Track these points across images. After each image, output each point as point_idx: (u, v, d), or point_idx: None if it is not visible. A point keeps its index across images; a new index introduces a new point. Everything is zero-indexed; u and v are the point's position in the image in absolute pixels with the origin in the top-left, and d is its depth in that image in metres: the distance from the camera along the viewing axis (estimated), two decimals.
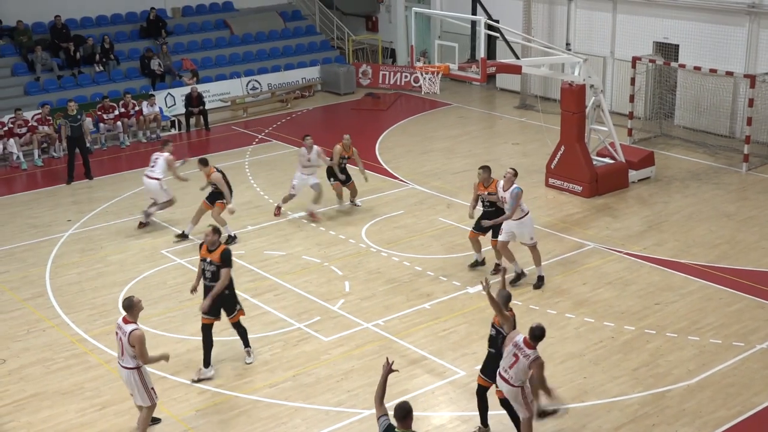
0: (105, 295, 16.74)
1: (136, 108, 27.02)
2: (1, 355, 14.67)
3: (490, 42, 27.18)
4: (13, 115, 25.31)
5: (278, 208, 20.27)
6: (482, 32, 19.72)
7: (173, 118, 28.44)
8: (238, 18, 34.16)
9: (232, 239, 18.76)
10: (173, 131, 28.07)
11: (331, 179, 20.31)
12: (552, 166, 21.74)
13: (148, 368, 12.20)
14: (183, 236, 19.03)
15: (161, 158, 19.48)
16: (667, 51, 26.24)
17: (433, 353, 14.29)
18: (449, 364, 13.97)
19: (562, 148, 21.45)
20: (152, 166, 19.53)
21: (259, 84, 31.41)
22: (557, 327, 15.02)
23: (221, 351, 14.50)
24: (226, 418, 12.74)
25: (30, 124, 25.32)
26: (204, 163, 18.72)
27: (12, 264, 18.25)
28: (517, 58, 26.94)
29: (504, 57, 27.09)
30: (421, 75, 21.23)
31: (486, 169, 16.55)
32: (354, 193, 20.74)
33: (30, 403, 13.28)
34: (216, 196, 18.65)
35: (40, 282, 17.40)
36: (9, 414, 12.99)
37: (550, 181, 21.81)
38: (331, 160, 20.15)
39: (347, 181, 20.41)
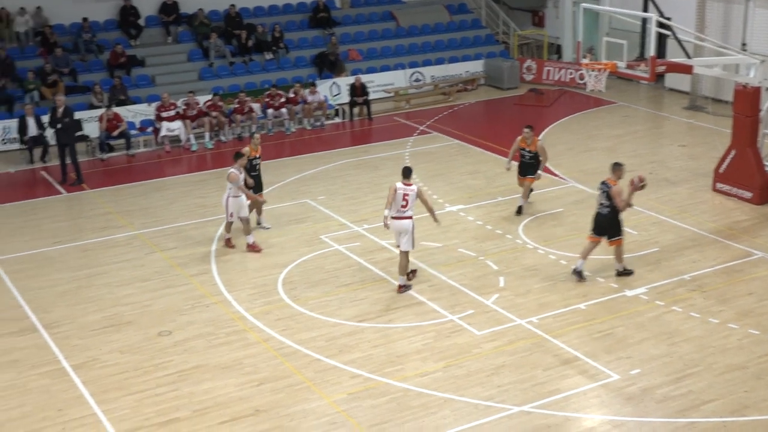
0: (265, 275, 17.23)
1: (302, 96, 27.69)
2: (167, 327, 15.33)
3: (661, 40, 26.32)
4: (186, 99, 26.38)
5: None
6: (653, 30, 19.26)
7: (338, 107, 28.97)
8: (405, 10, 34.47)
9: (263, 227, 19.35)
10: (337, 119, 28.61)
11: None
12: (720, 171, 21.01)
13: None
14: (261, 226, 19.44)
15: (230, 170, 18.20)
16: None
17: (586, 354, 14.09)
18: (603, 366, 13.74)
19: (733, 152, 20.70)
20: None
21: (423, 76, 31.60)
22: (719, 337, 14.54)
23: (375, 337, 14.74)
24: (376, 403, 12.92)
25: (200, 108, 26.30)
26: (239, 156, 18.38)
27: (180, 241, 19.04)
28: (689, 57, 26.12)
29: (674, 56, 26.30)
30: (587, 72, 20.88)
31: (531, 128, 19.64)
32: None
33: (192, 374, 13.83)
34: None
35: (205, 260, 18.08)
36: (173, 383, 13.57)
37: (718, 185, 21.08)
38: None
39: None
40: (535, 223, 19.43)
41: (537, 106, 30.01)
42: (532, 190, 20.16)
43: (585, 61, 22.06)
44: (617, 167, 16.67)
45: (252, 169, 19.00)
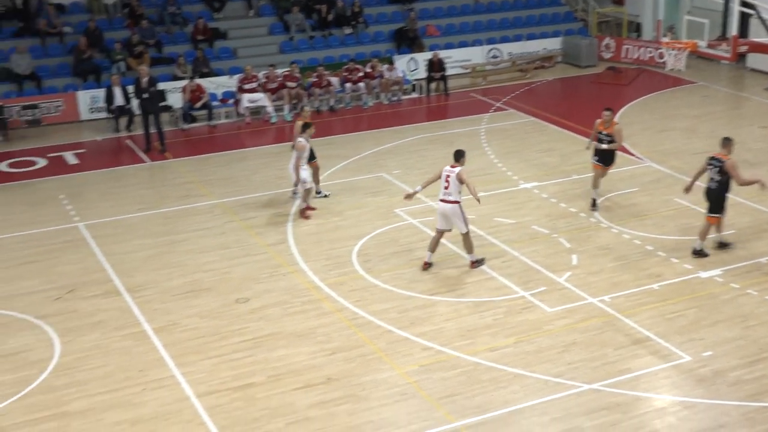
0: (340, 247, 17.35)
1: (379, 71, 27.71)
2: (245, 294, 15.56)
3: (744, 19, 25.74)
4: (267, 71, 26.59)
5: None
6: (735, 9, 18.86)
7: (415, 82, 28.92)
8: None
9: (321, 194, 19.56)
10: (414, 95, 28.56)
11: None
12: None
13: None
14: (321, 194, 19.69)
15: (298, 139, 18.73)
16: None
17: (658, 335, 13.91)
18: (675, 347, 13.55)
19: None
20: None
21: (500, 52, 31.34)
22: None
23: (447, 311, 14.77)
24: (447, 376, 12.96)
25: (280, 81, 26.48)
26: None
27: (259, 211, 19.26)
28: None
29: (757, 35, 25.61)
30: (667, 51, 20.60)
31: (611, 111, 18.63)
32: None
33: (267, 341, 14.03)
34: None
35: (282, 230, 18.28)
36: (248, 349, 13.79)
37: None
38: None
39: None
40: (610, 202, 19.20)
41: (615, 85, 29.54)
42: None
43: (665, 39, 21.74)
44: (728, 141, 16.43)
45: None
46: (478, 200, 16.07)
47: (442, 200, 15.81)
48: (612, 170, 19.73)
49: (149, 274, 16.38)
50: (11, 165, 22.80)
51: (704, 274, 15.81)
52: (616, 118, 24.72)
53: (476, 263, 16.23)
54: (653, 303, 14.94)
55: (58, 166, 22.64)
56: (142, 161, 23.04)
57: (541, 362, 13.25)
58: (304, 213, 18.77)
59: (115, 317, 14.87)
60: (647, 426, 11.81)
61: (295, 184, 18.88)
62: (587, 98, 28.01)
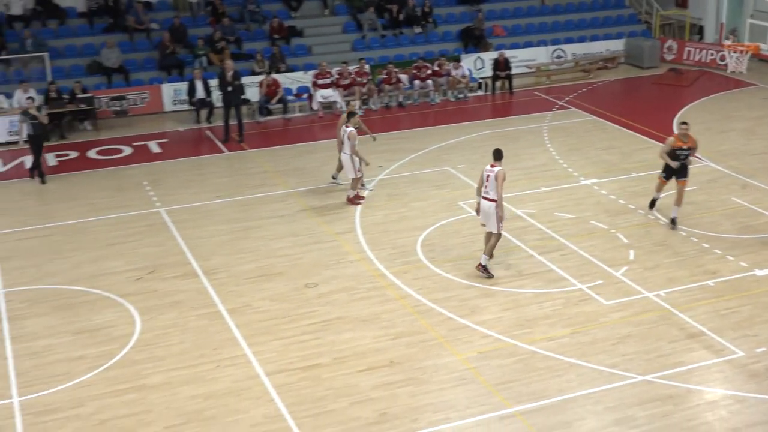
0: (405, 237, 17.35)
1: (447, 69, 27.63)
2: (313, 279, 15.66)
3: None
4: (340, 68, 26.68)
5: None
6: None
7: (480, 81, 28.76)
8: None
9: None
10: (480, 92, 28.41)
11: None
12: None
13: None
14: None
15: (346, 132, 18.76)
16: None
17: (712, 330, 13.67)
18: (728, 342, 13.30)
19: None
20: (341, 142, 19.11)
21: (564, 53, 30.98)
22: None
23: (506, 301, 14.69)
24: (504, 363, 12.90)
25: (353, 78, 26.55)
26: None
27: (328, 200, 19.35)
28: None
29: None
30: (729, 53, 20.10)
31: (687, 124, 17.11)
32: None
33: (334, 324, 14.12)
34: None
35: (350, 219, 18.34)
36: (316, 331, 13.89)
37: None
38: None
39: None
40: (668, 200, 18.85)
41: (675, 86, 28.98)
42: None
43: (727, 42, 21.27)
44: None
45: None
46: (501, 217, 15.24)
47: (483, 197, 15.42)
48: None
49: (224, 258, 16.59)
50: (99, 152, 23.25)
51: (760, 273, 15.48)
52: (676, 119, 24.41)
53: (484, 269, 15.54)
54: (708, 299, 14.67)
55: (142, 155, 23.02)
56: (221, 151, 23.30)
57: (597, 353, 13.12)
58: (354, 200, 18.93)
59: (192, 298, 15.09)
60: (698, 418, 11.62)
61: (356, 171, 18.91)
62: (648, 99, 27.55)
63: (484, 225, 15.61)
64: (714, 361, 12.88)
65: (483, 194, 15.36)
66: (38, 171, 21.05)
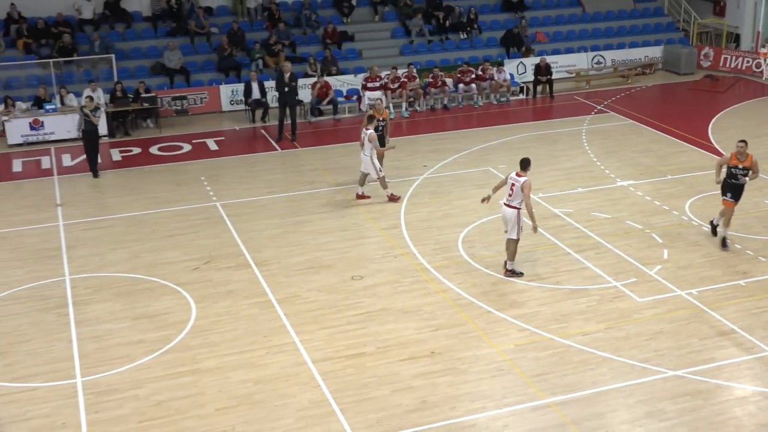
0: (448, 233, 17.31)
1: (491, 74, 27.50)
2: (359, 272, 15.70)
3: None
4: (389, 72, 26.67)
5: None
6: None
7: (522, 85, 28.58)
8: None
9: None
10: (521, 96, 28.24)
11: None
12: None
13: None
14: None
15: (366, 134, 18.81)
16: None
17: (743, 328, 13.45)
18: (758, 341, 13.08)
19: None
20: (362, 143, 19.06)
21: (604, 59, 30.68)
22: None
23: (543, 296, 14.60)
24: (540, 356, 12.83)
25: (401, 81, 26.52)
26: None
27: (375, 198, 19.36)
28: None
29: None
30: (764, 61, 19.71)
31: (746, 142, 15.88)
32: None
33: (379, 315, 14.14)
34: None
35: (395, 215, 18.34)
36: (361, 321, 13.92)
37: None
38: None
39: None
40: (702, 202, 18.60)
41: (711, 92, 28.56)
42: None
43: (763, 50, 20.86)
44: None
45: (376, 129, 19.39)
46: (535, 228, 14.98)
47: (505, 204, 15.07)
48: (704, 173, 19.11)
49: (275, 251, 16.68)
50: (161, 149, 23.52)
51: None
52: (711, 124, 24.04)
53: (512, 273, 15.33)
54: (739, 298, 14.44)
55: (200, 151, 23.24)
56: (274, 149, 23.43)
57: (629, 348, 12.98)
58: (393, 198, 19.00)
59: (245, 287, 15.21)
60: (728, 413, 11.45)
61: (377, 171, 18.90)
62: (684, 104, 27.18)
63: (505, 231, 15.28)
64: (744, 359, 12.68)
65: (506, 202, 15.07)
66: (91, 166, 21.32)
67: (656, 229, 17.24)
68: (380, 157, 19.09)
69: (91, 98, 22.21)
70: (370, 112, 20.10)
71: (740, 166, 15.85)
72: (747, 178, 15.90)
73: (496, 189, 15.51)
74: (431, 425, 11.26)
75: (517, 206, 14.93)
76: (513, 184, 14.95)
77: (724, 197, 16.10)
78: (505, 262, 15.42)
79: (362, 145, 18.94)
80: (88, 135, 21.09)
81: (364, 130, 18.94)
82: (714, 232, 16.59)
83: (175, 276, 15.67)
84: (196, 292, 15.05)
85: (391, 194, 19.07)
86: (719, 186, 16.26)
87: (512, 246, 15.23)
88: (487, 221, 17.83)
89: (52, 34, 27.04)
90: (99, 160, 21.57)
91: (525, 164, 15.05)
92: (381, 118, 19.89)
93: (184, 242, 17.16)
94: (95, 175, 21.21)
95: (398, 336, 13.47)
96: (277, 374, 12.49)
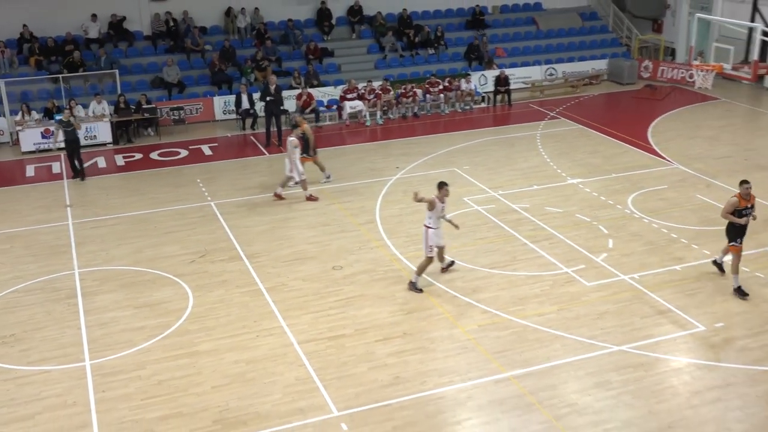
0: (418, 228, 17.09)
1: (456, 84, 27.51)
2: (340, 263, 15.68)
3: (764, 46, 24.76)
4: (365, 84, 26.62)
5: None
6: (758, 38, 18.12)
7: (484, 95, 28.62)
8: (545, 16, 33.55)
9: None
10: (483, 105, 28.28)
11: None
12: None
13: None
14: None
15: (290, 140, 18.82)
16: None
17: (678, 308, 13.58)
18: (692, 318, 13.22)
19: None
20: (287, 149, 19.09)
21: (555, 71, 30.77)
22: None
23: (502, 282, 14.63)
24: (500, 335, 12.87)
25: (376, 92, 26.48)
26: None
27: (354, 196, 19.35)
28: None
29: None
30: (697, 72, 19.92)
31: (748, 182, 13.77)
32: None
33: (356, 300, 14.14)
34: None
35: (371, 211, 18.33)
36: (341, 307, 13.92)
37: None
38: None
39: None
40: (642, 197, 18.75)
41: (651, 100, 28.75)
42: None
43: (696, 62, 21.02)
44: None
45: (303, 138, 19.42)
46: (456, 226, 14.50)
47: (426, 225, 14.13)
48: (644, 171, 19.25)
49: (265, 245, 16.63)
50: (161, 154, 23.36)
51: (719, 260, 15.32)
52: (651, 128, 24.22)
53: (413, 285, 14.35)
54: (675, 281, 14.57)
55: (196, 156, 23.09)
56: (263, 153, 23.33)
57: (579, 327, 13.07)
58: (311, 198, 18.95)
59: (237, 278, 15.15)
60: (665, 382, 11.56)
61: (291, 177, 18.92)
62: (627, 110, 27.34)
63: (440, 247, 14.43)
64: (679, 334, 12.80)
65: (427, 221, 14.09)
66: (75, 172, 21.06)
67: (602, 222, 17.35)
68: (302, 162, 19.10)
69: (70, 108, 22.30)
70: (298, 119, 19.86)
71: (749, 206, 13.81)
72: (752, 217, 13.96)
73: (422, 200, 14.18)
74: (404, 398, 11.28)
75: (426, 224, 14.09)
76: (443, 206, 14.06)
77: (735, 243, 13.85)
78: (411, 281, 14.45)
79: (287, 150, 19.02)
80: (70, 144, 20.86)
81: (289, 137, 19.00)
82: (721, 269, 14.69)
83: (173, 268, 15.58)
84: (193, 282, 14.97)
85: (310, 195, 19.07)
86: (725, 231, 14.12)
87: (422, 263, 14.28)
88: (453, 216, 17.78)
89: (61, 51, 26.77)
90: (85, 165, 21.34)
91: (440, 185, 14.21)
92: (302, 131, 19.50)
93: (181, 238, 17.06)
94: (76, 177, 20.98)
95: (374, 319, 13.48)
96: (267, 355, 12.46)
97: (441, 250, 14.58)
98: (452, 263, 15.13)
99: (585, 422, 10.71)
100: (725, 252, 14.29)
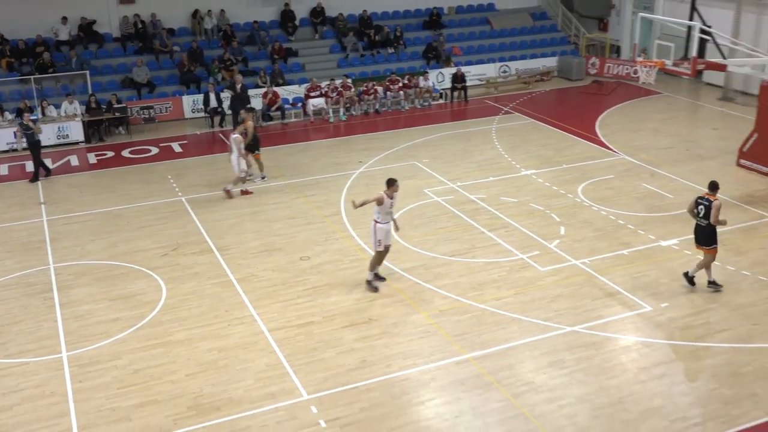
0: None
1: (415, 82, 27.52)
2: (307, 253, 15.63)
3: (702, 44, 25.13)
4: (328, 82, 26.51)
5: None
6: (696, 35, 18.37)
7: (442, 91, 28.68)
8: (498, 16, 33.69)
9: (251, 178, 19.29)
10: (441, 101, 28.34)
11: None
12: (744, 149, 20.07)
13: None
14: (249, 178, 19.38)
15: (232, 137, 18.84)
16: None
17: (626, 290, 13.78)
18: (639, 299, 13.43)
19: (755, 135, 19.73)
20: (230, 147, 19.09)
21: (509, 68, 30.95)
22: (734, 281, 14.00)
23: (462, 269, 14.72)
24: (461, 319, 12.95)
25: (338, 89, 26.40)
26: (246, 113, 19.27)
27: (318, 189, 19.29)
28: (724, 58, 24.82)
29: (712, 56, 25.06)
30: (640, 68, 20.14)
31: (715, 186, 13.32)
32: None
33: (323, 290, 14.11)
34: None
35: (336, 204, 18.29)
36: (309, 295, 13.88)
37: (741, 161, 20.14)
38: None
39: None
40: (591, 186, 18.97)
41: (598, 94, 29.06)
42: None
43: (639, 59, 21.24)
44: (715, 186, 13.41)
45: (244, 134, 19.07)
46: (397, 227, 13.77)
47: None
48: (593, 162, 19.46)
49: (234, 237, 16.51)
50: (132, 152, 23.03)
51: (664, 243, 15.60)
52: (598, 121, 24.48)
53: (370, 283, 13.98)
54: (623, 265, 14.78)
55: (167, 153, 22.82)
56: (230, 150, 23.07)
57: (534, 309, 13.20)
58: (230, 194, 18.77)
59: (208, 269, 15.03)
60: (615, 360, 11.73)
61: (241, 171, 18.82)
62: (576, 105, 27.62)
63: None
64: (627, 315, 13.00)
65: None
66: (47, 170, 20.68)
67: (554, 210, 17.52)
68: (245, 158, 18.93)
69: (30, 111, 22.05)
70: (244, 115, 19.43)
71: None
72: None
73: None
74: (370, 380, 11.30)
75: (375, 219, 13.61)
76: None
77: (716, 245, 13.46)
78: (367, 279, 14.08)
79: (230, 148, 18.94)
80: (30, 147, 20.48)
81: (231, 134, 18.99)
82: (691, 282, 13.82)
83: (147, 262, 15.40)
84: (166, 275, 14.82)
85: (242, 190, 18.99)
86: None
87: (373, 258, 13.97)
88: (414, 207, 17.90)
89: (32, 53, 26.23)
90: (51, 167, 21.03)
91: (390, 182, 13.57)
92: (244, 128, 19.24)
93: (154, 232, 16.87)
94: (48, 175, 20.61)
95: (341, 306, 13.47)
96: (238, 343, 12.40)
97: (386, 248, 13.84)
98: (383, 279, 14.10)
99: (541, 399, 10.83)
100: (700, 266, 13.59)
